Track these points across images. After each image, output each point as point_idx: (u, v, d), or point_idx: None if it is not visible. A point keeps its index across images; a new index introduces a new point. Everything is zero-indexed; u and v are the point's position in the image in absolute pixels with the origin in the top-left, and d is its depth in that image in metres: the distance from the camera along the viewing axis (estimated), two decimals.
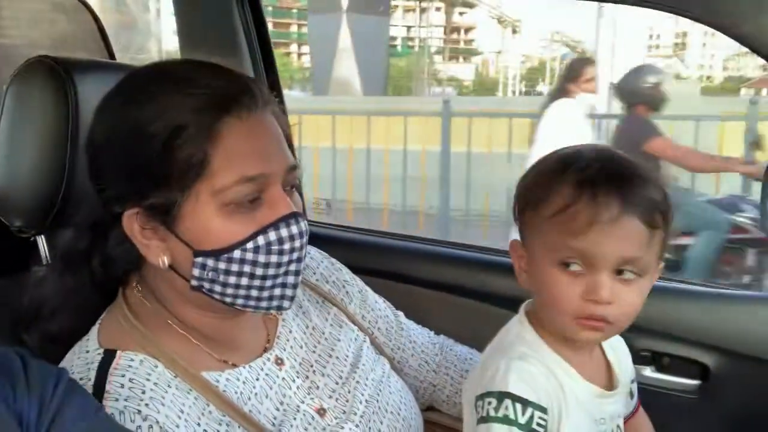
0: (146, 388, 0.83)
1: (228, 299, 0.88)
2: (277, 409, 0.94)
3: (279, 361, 0.98)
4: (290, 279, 0.90)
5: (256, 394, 0.93)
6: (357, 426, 0.98)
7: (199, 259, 0.86)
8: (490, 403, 0.84)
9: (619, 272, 0.84)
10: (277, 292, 0.90)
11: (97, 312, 0.94)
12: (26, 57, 1.15)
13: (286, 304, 0.91)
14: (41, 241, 1.17)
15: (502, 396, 0.84)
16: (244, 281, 0.87)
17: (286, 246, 0.87)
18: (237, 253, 0.85)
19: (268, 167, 0.86)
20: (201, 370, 0.89)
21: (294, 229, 0.87)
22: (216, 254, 0.85)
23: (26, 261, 1.17)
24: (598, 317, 0.85)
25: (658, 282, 1.44)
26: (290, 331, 1.03)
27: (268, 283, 0.88)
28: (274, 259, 0.86)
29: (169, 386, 0.85)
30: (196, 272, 0.87)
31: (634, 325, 1.35)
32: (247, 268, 0.86)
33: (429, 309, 1.49)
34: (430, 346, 1.23)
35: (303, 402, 0.96)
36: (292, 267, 0.89)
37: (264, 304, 0.90)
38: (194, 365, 0.89)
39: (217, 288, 0.87)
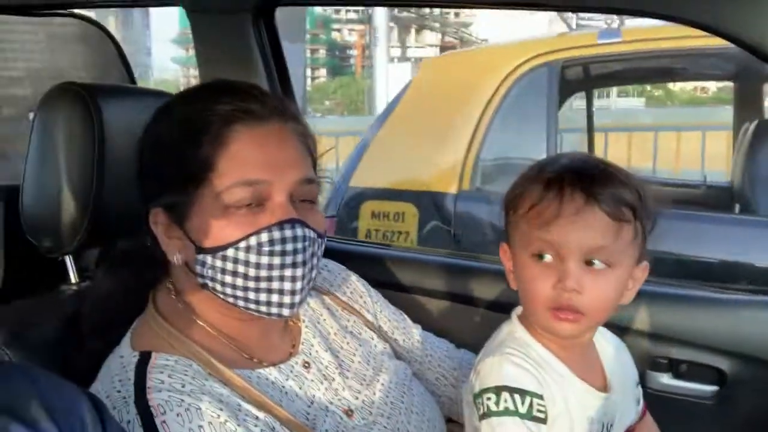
0: (185, 381, 0.87)
1: (230, 299, 0.93)
2: (309, 407, 0.97)
3: (306, 365, 1.02)
4: (287, 285, 0.92)
5: (286, 393, 0.96)
6: (385, 427, 1.01)
7: (200, 257, 0.92)
8: (489, 398, 0.88)
9: (589, 263, 0.89)
10: (275, 298, 0.92)
11: (128, 321, 0.99)
12: (53, 80, 1.19)
13: (285, 311, 0.93)
14: (69, 261, 1.21)
15: (499, 390, 0.88)
16: (240, 281, 0.91)
17: (277, 248, 0.90)
18: (230, 252, 0.90)
19: (271, 175, 0.91)
20: (233, 368, 0.92)
21: (288, 233, 0.90)
22: (213, 252, 0.90)
23: (55, 281, 1.21)
24: (569, 306, 0.89)
25: (673, 288, 1.47)
26: (313, 337, 1.06)
27: (263, 285, 0.91)
28: (264, 260, 0.90)
29: (206, 380, 0.89)
30: (198, 269, 0.92)
31: (651, 332, 1.39)
32: (241, 268, 0.90)
33: (447, 321, 1.51)
34: (448, 360, 1.25)
35: (331, 403, 0.99)
36: (287, 272, 0.91)
37: (263, 308, 0.93)
38: (225, 364, 0.92)
39: (218, 287, 0.92)
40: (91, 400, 0.71)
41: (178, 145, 0.92)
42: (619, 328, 1.29)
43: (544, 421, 0.87)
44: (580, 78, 3.84)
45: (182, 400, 0.84)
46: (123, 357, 0.92)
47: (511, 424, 0.86)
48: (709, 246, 2.74)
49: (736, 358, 1.35)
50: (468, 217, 3.16)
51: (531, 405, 0.87)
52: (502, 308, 1.01)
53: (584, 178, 0.90)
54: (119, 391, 0.87)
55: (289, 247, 0.90)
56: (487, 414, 0.87)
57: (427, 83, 3.64)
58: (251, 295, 0.92)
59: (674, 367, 1.41)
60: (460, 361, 1.26)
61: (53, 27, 2.29)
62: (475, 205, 3.19)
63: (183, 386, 0.86)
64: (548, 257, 0.90)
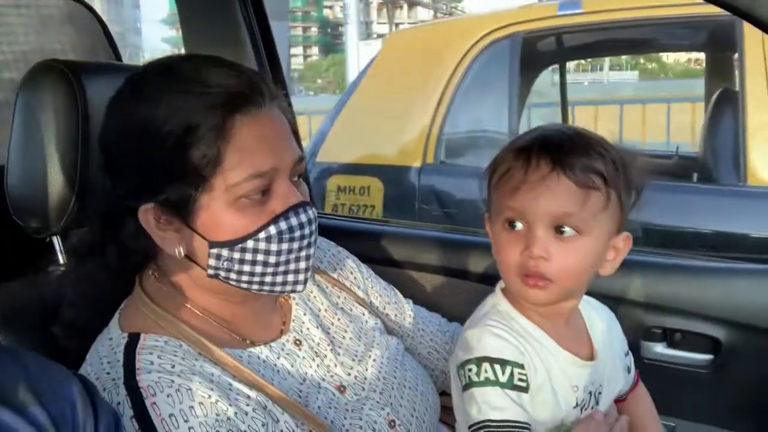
0: (175, 362, 0.87)
1: (244, 285, 0.92)
2: (301, 384, 0.97)
3: (297, 342, 1.01)
4: (302, 264, 0.94)
5: (278, 371, 0.96)
6: (378, 402, 1.01)
7: (215, 250, 0.90)
8: (470, 369, 0.89)
9: (558, 230, 0.89)
10: (291, 277, 0.94)
11: (116, 303, 0.98)
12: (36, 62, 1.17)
13: (299, 287, 0.96)
14: (57, 242, 1.19)
15: (479, 361, 0.88)
16: (258, 269, 0.91)
17: (297, 233, 0.91)
18: (250, 243, 0.89)
19: (277, 161, 0.90)
20: (223, 348, 0.92)
21: (303, 218, 0.91)
22: (230, 245, 0.89)
23: (42, 262, 1.20)
24: (536, 273, 0.89)
25: (667, 258, 1.47)
26: (304, 314, 1.06)
27: (281, 268, 0.92)
28: (285, 246, 0.90)
29: (196, 360, 0.89)
30: (212, 262, 0.91)
31: (644, 302, 1.39)
32: (260, 257, 0.90)
33: (440, 295, 1.51)
34: (440, 334, 1.25)
35: (323, 380, 0.99)
36: (303, 253, 0.93)
37: (278, 288, 0.94)
38: (216, 344, 0.91)
39: (233, 276, 0.91)
40: (82, 382, 0.70)
41: (175, 136, 0.86)
42: (613, 299, 1.30)
43: (525, 389, 0.88)
44: (548, 50, 3.81)
45: (172, 381, 0.84)
46: (112, 339, 0.91)
47: (492, 393, 0.87)
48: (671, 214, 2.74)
49: (730, 326, 1.36)
50: (432, 190, 3.19)
51: (512, 374, 0.88)
52: (493, 281, 1.01)
53: (552, 147, 0.90)
54: (108, 373, 0.87)
55: (306, 231, 0.92)
56: (469, 384, 0.88)
57: (391, 58, 3.65)
58: (268, 279, 0.92)
59: (668, 337, 1.42)
60: (452, 334, 1.25)
61: (39, 8, 2.26)
62: (439, 179, 3.23)
63: (173, 367, 0.86)
64: (518, 225, 0.90)
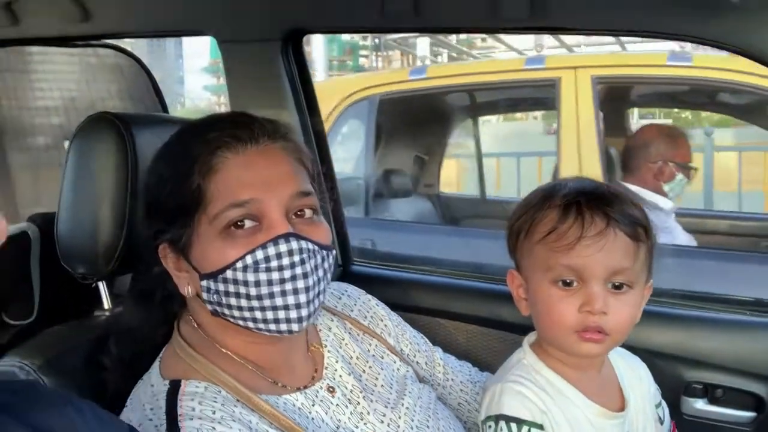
0: (215, 408, 0.88)
1: (240, 322, 0.93)
2: None
3: (330, 389, 1.02)
4: (290, 299, 0.91)
5: (312, 419, 0.96)
6: None
7: (204, 283, 0.93)
8: (490, 426, 0.90)
9: (611, 284, 0.90)
10: (281, 314, 0.92)
11: (157, 348, 1.00)
12: (87, 110, 1.22)
13: (294, 326, 0.92)
14: (102, 287, 1.23)
15: (498, 419, 0.90)
16: (243, 302, 0.91)
17: (273, 263, 0.90)
18: (229, 273, 0.91)
19: (261, 193, 0.92)
20: (260, 394, 0.93)
21: (282, 248, 0.90)
22: (214, 276, 0.92)
23: (89, 306, 1.23)
24: (596, 328, 0.89)
25: (707, 312, 1.45)
26: (336, 361, 1.06)
27: (267, 303, 0.91)
28: (263, 277, 0.90)
29: (235, 406, 0.90)
30: (205, 296, 0.94)
31: (685, 357, 1.37)
32: (242, 289, 0.91)
33: (471, 344, 1.50)
34: (470, 384, 1.24)
35: (357, 427, 0.99)
36: (288, 286, 0.91)
37: (272, 326, 0.92)
38: (253, 390, 0.93)
39: (226, 311, 0.93)
40: (131, 430, 0.72)
41: (172, 178, 0.95)
42: (652, 353, 1.28)
43: None
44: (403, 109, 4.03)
45: (213, 429, 0.85)
46: (153, 386, 0.93)
47: None
48: None
49: None
50: None
51: None
52: (524, 330, 1.01)
53: (600, 201, 0.91)
54: (151, 420, 0.88)
55: (285, 261, 0.90)
56: None
57: None
58: (258, 315, 0.92)
59: (709, 393, 1.38)
60: (482, 385, 1.24)
61: (88, 57, 2.35)
62: None
63: (213, 413, 0.87)
64: (572, 281, 0.90)
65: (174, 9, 1.55)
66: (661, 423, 1.05)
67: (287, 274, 0.90)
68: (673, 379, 1.35)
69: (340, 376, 1.04)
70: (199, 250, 0.93)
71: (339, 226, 1.65)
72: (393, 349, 1.16)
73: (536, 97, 3.91)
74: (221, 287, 0.91)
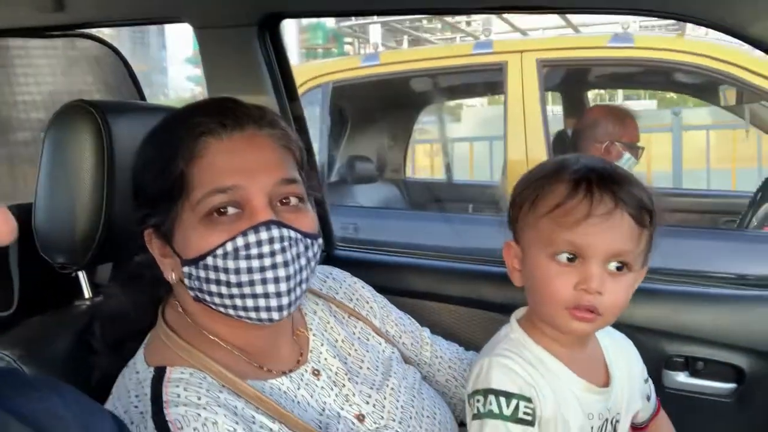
0: (200, 394, 0.88)
1: (222, 309, 0.93)
2: (320, 415, 0.97)
3: (316, 372, 1.02)
4: (270, 287, 0.90)
5: (298, 402, 0.96)
6: (397, 431, 1.01)
7: (185, 269, 0.93)
8: (478, 400, 0.90)
9: (609, 265, 0.89)
10: (262, 302, 0.91)
11: (140, 335, 1.00)
12: (63, 103, 1.21)
13: (274, 315, 0.92)
14: (82, 276, 1.22)
15: (486, 393, 0.90)
16: (224, 289, 0.91)
17: (254, 251, 0.89)
18: (210, 260, 0.90)
19: (244, 180, 0.91)
20: (245, 379, 0.93)
21: (263, 235, 0.89)
22: (195, 262, 0.91)
23: (68, 295, 1.23)
24: (589, 307, 0.89)
25: (688, 287, 1.46)
26: (321, 345, 1.06)
27: (247, 290, 0.90)
28: (243, 264, 0.89)
29: (220, 392, 0.90)
30: (186, 282, 0.94)
31: (666, 330, 1.38)
32: (222, 276, 0.91)
33: (457, 325, 1.51)
34: (458, 361, 1.25)
35: (342, 409, 1.00)
36: (269, 274, 0.90)
37: (253, 314, 0.92)
38: (239, 375, 0.93)
39: (207, 297, 0.93)
40: (113, 419, 0.72)
41: (157, 164, 0.95)
42: (634, 327, 1.29)
43: (531, 423, 0.89)
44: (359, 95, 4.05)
45: (199, 414, 0.85)
46: (138, 373, 0.93)
47: (495, 426, 0.88)
48: None
49: (754, 354, 1.34)
50: None
51: (516, 407, 0.88)
52: (510, 310, 1.02)
53: (611, 181, 0.90)
54: (136, 407, 0.88)
55: (266, 249, 0.89)
56: (477, 415, 0.90)
57: None
58: (238, 302, 0.91)
59: (691, 366, 1.40)
60: (469, 362, 1.25)
61: (66, 50, 2.33)
62: None
63: (199, 399, 0.87)
64: (572, 258, 0.90)
65: None
66: (648, 399, 1.06)
67: (267, 262, 0.90)
68: (654, 353, 1.36)
69: (326, 359, 1.05)
70: (181, 236, 0.93)
71: (321, 211, 1.65)
72: (378, 331, 1.17)
73: (488, 81, 3.97)
74: (202, 274, 0.91)
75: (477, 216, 3.60)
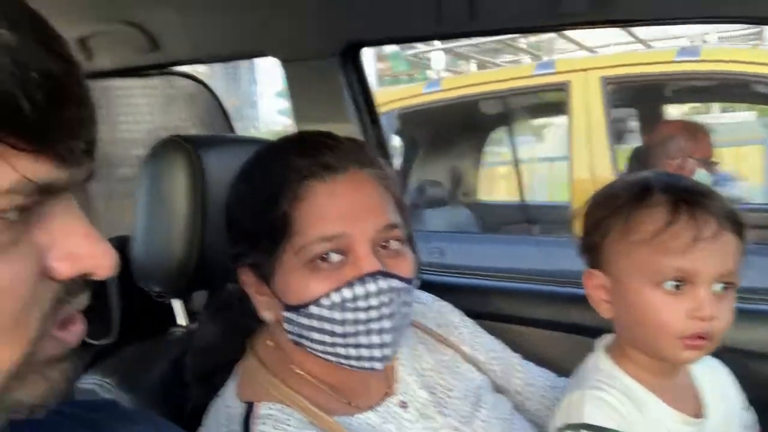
0: (288, 431, 0.88)
1: (320, 354, 0.92)
2: None
3: (403, 405, 1.00)
4: (375, 339, 0.89)
5: None
6: None
7: (286, 314, 0.91)
8: None
9: (715, 286, 0.84)
10: (365, 352, 0.90)
11: (232, 364, 1.01)
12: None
13: (377, 365, 0.91)
14: (178, 305, 1.26)
15: (578, 428, 0.85)
16: (327, 338, 0.90)
17: (361, 303, 0.87)
18: (314, 309, 0.88)
19: (349, 227, 0.89)
20: (333, 415, 0.92)
21: (371, 287, 0.87)
22: (297, 309, 0.90)
23: (165, 323, 1.27)
24: (702, 334, 0.84)
25: None
26: (409, 375, 1.05)
27: (351, 340, 0.89)
28: (349, 316, 0.88)
29: (307, 428, 0.89)
30: (287, 326, 0.93)
31: None
32: (326, 326, 0.89)
33: (549, 350, 1.46)
34: (550, 390, 1.20)
35: None
36: (374, 326, 0.89)
37: (354, 362, 0.91)
38: (326, 411, 0.92)
39: (307, 342, 0.92)
40: None
41: (259, 204, 0.93)
42: (741, 352, 1.21)
43: None
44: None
45: None
46: (229, 407, 0.94)
47: None
48: None
49: None
50: None
51: None
52: (603, 333, 0.98)
53: (708, 199, 0.86)
54: None
55: (374, 301, 0.88)
56: None
57: None
58: (340, 351, 0.91)
59: None
60: (563, 390, 1.20)
61: (164, 89, 2.45)
62: None
63: None
64: (680, 285, 0.85)
65: (237, 34, 1.59)
66: (751, 429, 0.99)
67: (374, 314, 0.88)
68: (764, 379, 1.27)
69: (413, 390, 1.03)
70: (282, 279, 0.91)
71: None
72: (468, 358, 1.14)
73: (552, 101, 3.92)
74: (304, 321, 0.90)
75: (555, 238, 3.54)
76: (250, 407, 0.91)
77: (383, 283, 0.88)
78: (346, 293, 0.87)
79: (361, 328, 0.89)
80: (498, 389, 1.14)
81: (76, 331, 0.50)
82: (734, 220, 0.86)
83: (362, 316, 0.88)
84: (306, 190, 0.90)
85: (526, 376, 1.20)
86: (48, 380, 0.48)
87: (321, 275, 0.89)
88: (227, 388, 0.98)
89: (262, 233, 0.92)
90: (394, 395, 1.01)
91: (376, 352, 0.90)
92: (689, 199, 0.85)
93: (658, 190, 0.87)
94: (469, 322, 1.21)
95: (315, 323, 0.89)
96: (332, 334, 0.89)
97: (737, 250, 0.85)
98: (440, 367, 1.09)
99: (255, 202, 0.94)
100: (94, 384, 1.08)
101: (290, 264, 0.90)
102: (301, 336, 0.92)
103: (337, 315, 0.88)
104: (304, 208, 0.89)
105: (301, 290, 0.89)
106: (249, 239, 0.94)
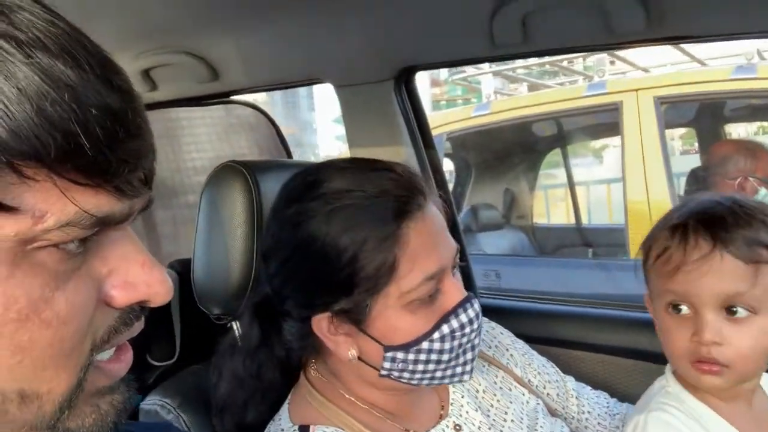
0: None
1: (415, 382, 0.93)
2: None
3: (457, 428, 1.00)
4: (468, 355, 0.94)
5: None
6: None
7: (390, 354, 0.90)
8: None
9: (730, 311, 0.82)
10: (459, 369, 0.94)
11: (280, 394, 1.02)
12: None
13: (466, 377, 0.95)
14: (236, 326, 1.28)
15: None
16: (431, 366, 0.91)
17: (467, 329, 0.91)
18: (425, 345, 0.90)
19: (443, 261, 0.90)
20: None
21: (471, 313, 0.91)
22: (406, 348, 0.90)
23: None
24: (709, 359, 0.82)
25: None
26: (462, 397, 1.04)
27: (452, 363, 0.93)
28: (456, 343, 0.91)
29: None
30: (386, 365, 0.91)
31: None
32: (434, 356, 0.90)
33: (611, 376, 1.43)
34: (608, 417, 1.17)
35: None
36: (469, 344, 0.93)
37: (447, 380, 0.95)
38: None
39: (406, 375, 0.92)
40: None
41: (350, 253, 0.87)
42: None
43: None
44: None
45: None
46: (283, 430, 0.95)
47: None
48: None
49: None
50: None
51: None
52: (663, 360, 0.95)
53: (710, 222, 0.84)
54: None
55: (475, 325, 0.92)
56: None
57: None
58: (438, 374, 0.93)
59: None
60: (622, 417, 1.17)
61: (227, 118, 2.52)
62: None
63: None
64: (683, 308, 0.84)
65: (292, 61, 1.63)
66: None
67: (473, 335, 0.93)
68: None
69: (467, 412, 1.02)
70: (381, 322, 0.89)
71: (460, 258, 1.64)
72: (521, 381, 1.12)
73: (604, 122, 3.87)
74: (411, 356, 0.90)
75: (611, 261, 3.46)
76: (304, 430, 0.92)
77: (477, 307, 0.93)
78: (454, 323, 0.90)
79: (460, 350, 0.92)
80: (553, 414, 1.11)
81: (124, 360, 0.51)
82: (747, 242, 0.81)
83: (465, 339, 0.92)
84: (403, 233, 0.88)
85: (581, 402, 1.17)
86: (97, 410, 0.49)
87: (420, 312, 0.89)
88: (282, 412, 0.99)
89: (357, 281, 0.87)
90: (448, 417, 1.00)
91: (468, 367, 0.95)
92: (687, 224, 0.86)
93: (673, 215, 0.89)
94: (520, 344, 1.20)
95: (422, 356, 0.90)
96: (438, 362, 0.91)
97: (745, 271, 0.81)
98: (493, 388, 1.08)
99: (344, 250, 0.87)
100: (155, 404, 1.11)
101: (393, 306, 0.89)
102: (403, 371, 0.92)
103: (447, 345, 0.90)
104: (405, 252, 0.87)
105: (409, 329, 0.89)
106: (337, 289, 0.89)
